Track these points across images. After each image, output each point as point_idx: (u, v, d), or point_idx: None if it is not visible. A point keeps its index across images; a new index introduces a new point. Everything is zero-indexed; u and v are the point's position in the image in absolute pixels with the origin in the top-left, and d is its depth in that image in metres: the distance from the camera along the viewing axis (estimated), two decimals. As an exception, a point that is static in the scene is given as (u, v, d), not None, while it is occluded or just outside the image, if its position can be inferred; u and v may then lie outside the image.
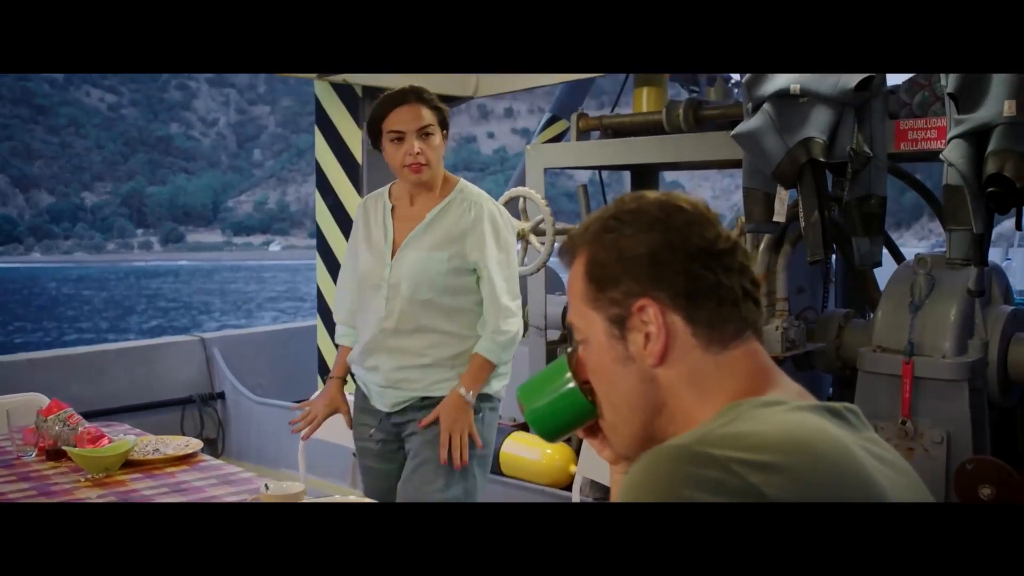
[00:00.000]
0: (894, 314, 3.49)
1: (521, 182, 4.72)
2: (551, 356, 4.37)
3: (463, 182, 2.79)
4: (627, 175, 5.00)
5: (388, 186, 2.87)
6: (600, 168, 4.66)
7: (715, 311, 1.07)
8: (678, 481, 0.90)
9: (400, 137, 2.62)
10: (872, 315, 3.73)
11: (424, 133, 2.62)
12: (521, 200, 3.94)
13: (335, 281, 5.47)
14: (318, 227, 5.62)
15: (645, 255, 1.08)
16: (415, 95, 2.64)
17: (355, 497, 2.06)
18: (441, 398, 2.68)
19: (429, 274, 2.64)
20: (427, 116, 2.63)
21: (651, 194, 1.14)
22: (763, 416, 1.00)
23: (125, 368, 5.83)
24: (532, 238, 3.88)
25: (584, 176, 4.92)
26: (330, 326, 5.48)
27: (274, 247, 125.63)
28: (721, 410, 1.04)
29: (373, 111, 2.69)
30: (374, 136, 2.71)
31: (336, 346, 3.04)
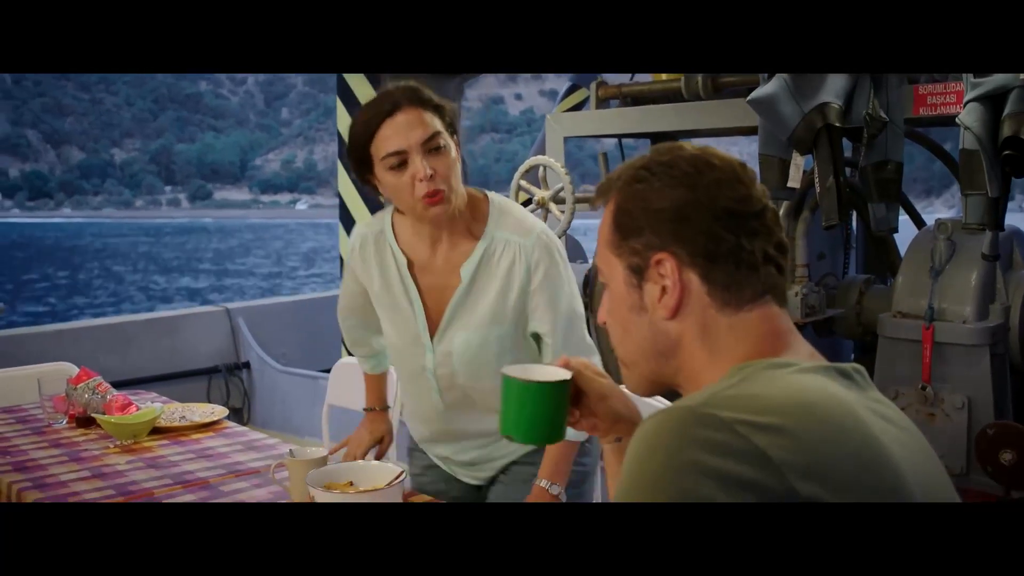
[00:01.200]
0: (915, 279, 3.48)
1: (542, 151, 4.72)
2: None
3: (494, 203, 2.06)
4: (648, 144, 4.99)
5: (386, 219, 2.14)
6: (620, 136, 4.65)
7: (732, 273, 1.08)
8: (685, 443, 0.91)
9: (402, 160, 1.90)
10: (893, 281, 3.73)
11: (433, 147, 1.91)
12: (541, 169, 3.95)
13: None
14: (340, 197, 5.66)
15: (669, 210, 1.09)
16: (409, 98, 1.92)
17: (375, 462, 2.09)
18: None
19: (489, 356, 2.02)
20: (432, 122, 1.91)
21: (688, 147, 1.14)
22: (770, 378, 1.01)
23: (151, 338, 5.93)
24: (552, 206, 3.89)
25: (610, 143, 4.92)
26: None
27: (301, 205, 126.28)
28: (730, 371, 1.05)
29: (353, 132, 1.96)
30: (361, 168, 1.99)
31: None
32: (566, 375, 1.33)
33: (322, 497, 1.85)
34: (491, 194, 2.09)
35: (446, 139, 1.94)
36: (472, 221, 2.03)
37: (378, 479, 1.97)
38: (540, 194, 3.88)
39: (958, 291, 3.37)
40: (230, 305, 6.40)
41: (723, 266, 1.08)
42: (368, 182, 2.01)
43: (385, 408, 2.44)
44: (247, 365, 6.21)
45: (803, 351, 1.10)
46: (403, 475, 1.96)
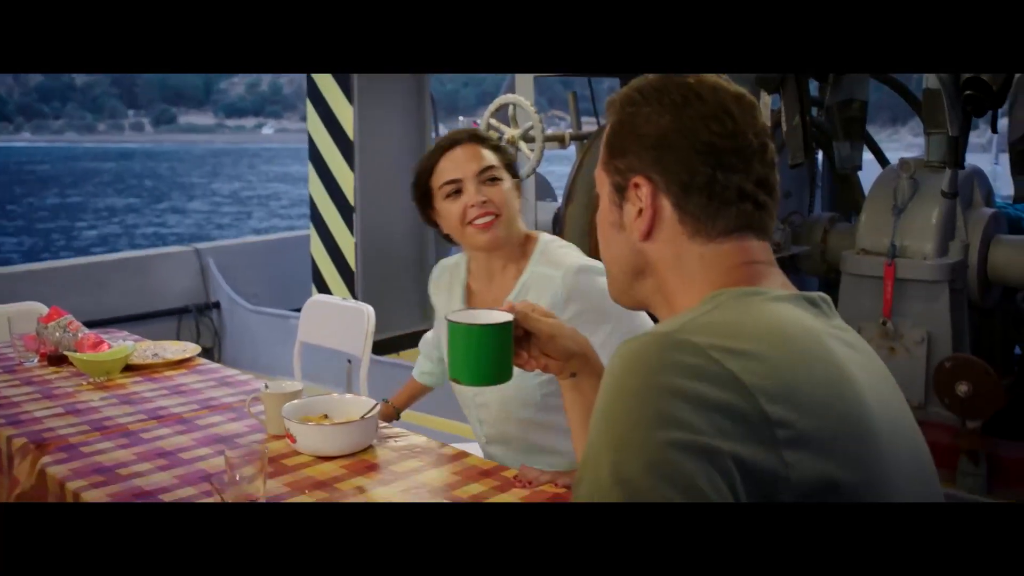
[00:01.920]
0: (878, 217, 3.54)
1: (511, 89, 4.72)
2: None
3: (540, 241, 2.10)
4: (618, 83, 4.99)
5: (465, 254, 2.22)
6: (590, 76, 4.66)
7: (704, 205, 1.10)
8: (661, 367, 0.93)
9: (457, 188, 2.01)
10: (857, 218, 3.79)
11: (488, 177, 2.02)
12: (511, 107, 3.95)
13: (327, 190, 5.53)
14: (310, 136, 5.61)
15: (652, 136, 1.11)
16: (469, 136, 2.07)
17: (349, 395, 2.13)
18: None
19: (521, 391, 2.00)
20: (489, 157, 2.04)
21: (690, 75, 1.15)
22: (743, 306, 1.04)
23: (121, 279, 5.91)
24: (522, 145, 3.91)
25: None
26: (323, 235, 5.56)
27: (267, 130, 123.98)
28: (704, 299, 1.07)
29: (417, 168, 2.11)
30: (424, 202, 2.10)
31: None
32: (508, 317, 1.40)
33: (296, 429, 1.89)
34: (542, 234, 2.13)
35: (502, 172, 2.04)
36: (522, 259, 2.08)
37: (352, 412, 2.01)
38: (510, 132, 3.89)
39: (919, 228, 3.44)
40: (200, 245, 6.38)
41: (696, 197, 1.10)
42: (430, 219, 2.12)
43: (396, 412, 2.50)
44: (217, 305, 6.21)
45: (776, 282, 1.12)
46: (376, 407, 2.00)
